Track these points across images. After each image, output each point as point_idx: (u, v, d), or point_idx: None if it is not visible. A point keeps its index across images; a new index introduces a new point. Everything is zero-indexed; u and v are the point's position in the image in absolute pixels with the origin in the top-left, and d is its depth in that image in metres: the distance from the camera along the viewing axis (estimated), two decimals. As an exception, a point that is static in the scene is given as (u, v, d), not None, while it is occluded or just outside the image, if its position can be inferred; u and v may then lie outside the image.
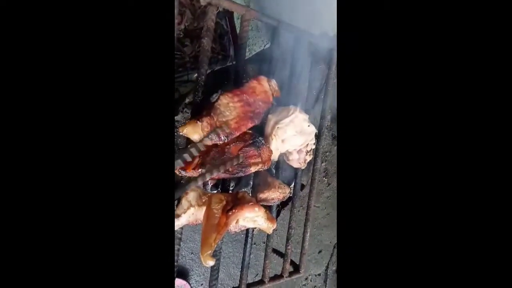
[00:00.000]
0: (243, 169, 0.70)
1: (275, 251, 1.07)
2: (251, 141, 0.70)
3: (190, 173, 0.69)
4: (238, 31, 0.87)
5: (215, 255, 0.75)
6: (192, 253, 1.41)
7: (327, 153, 1.78)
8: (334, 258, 1.86)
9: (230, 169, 0.68)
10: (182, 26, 1.03)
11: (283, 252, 0.98)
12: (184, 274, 1.41)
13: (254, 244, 0.88)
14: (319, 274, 1.85)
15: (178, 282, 1.35)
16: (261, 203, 0.79)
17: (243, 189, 0.86)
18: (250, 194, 0.82)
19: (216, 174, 0.67)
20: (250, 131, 0.73)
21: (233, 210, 0.67)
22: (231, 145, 0.69)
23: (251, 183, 0.87)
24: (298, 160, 0.87)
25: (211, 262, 0.65)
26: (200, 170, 0.67)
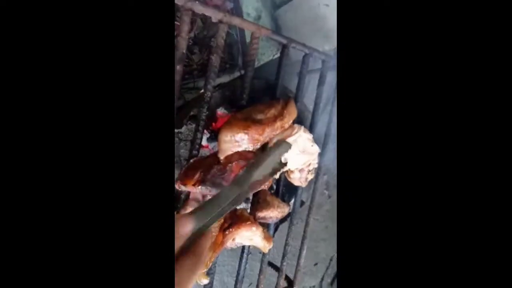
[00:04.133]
0: (243, 189, 0.69)
1: (270, 264, 1.07)
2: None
3: (190, 188, 0.69)
4: (248, 40, 0.86)
5: (210, 271, 0.75)
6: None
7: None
8: (329, 271, 1.86)
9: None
10: (192, 34, 1.03)
11: (278, 266, 0.98)
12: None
13: (250, 253, 0.88)
14: (313, 286, 1.85)
15: None
16: (259, 221, 0.79)
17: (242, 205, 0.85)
18: (249, 211, 0.81)
19: (216, 192, 0.67)
20: (253, 151, 0.72)
21: (230, 229, 0.67)
22: (233, 163, 0.68)
23: (250, 198, 0.86)
24: (300, 179, 0.86)
25: (205, 281, 0.65)
26: (200, 186, 0.67)
